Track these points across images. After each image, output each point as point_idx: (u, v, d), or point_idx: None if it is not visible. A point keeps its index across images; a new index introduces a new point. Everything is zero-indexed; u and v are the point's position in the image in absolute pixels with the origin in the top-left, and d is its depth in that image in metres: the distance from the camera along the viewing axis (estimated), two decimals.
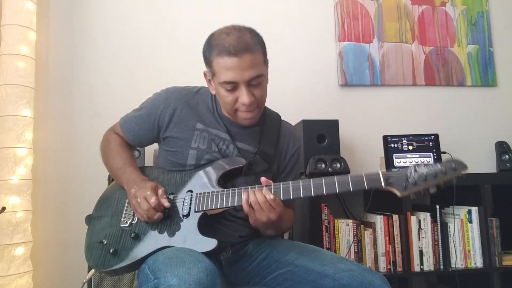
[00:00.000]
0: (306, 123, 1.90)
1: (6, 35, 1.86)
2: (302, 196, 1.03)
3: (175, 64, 2.14)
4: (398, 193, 1.00)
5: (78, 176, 2.02)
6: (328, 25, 2.30)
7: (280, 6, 2.27)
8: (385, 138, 1.99)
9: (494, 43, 2.41)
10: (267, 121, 1.28)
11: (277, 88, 2.16)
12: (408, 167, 1.00)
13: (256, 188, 1.06)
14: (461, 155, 2.09)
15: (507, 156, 2.12)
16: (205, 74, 1.22)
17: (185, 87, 1.28)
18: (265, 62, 1.19)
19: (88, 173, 2.01)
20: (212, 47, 1.11)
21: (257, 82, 1.12)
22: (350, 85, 2.27)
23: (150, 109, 1.24)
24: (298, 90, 2.23)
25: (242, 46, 1.08)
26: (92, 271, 1.17)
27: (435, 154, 1.91)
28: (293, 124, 2.00)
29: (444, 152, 1.97)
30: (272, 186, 1.06)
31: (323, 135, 1.89)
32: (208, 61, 1.14)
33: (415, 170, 0.99)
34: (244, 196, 1.04)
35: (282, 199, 1.04)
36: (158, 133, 1.25)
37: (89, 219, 1.23)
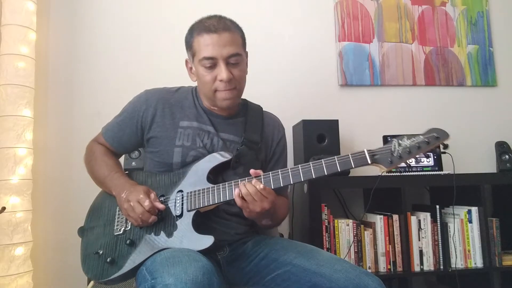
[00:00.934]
0: (306, 123, 1.90)
1: (6, 35, 1.86)
2: (292, 182, 1.05)
3: (175, 64, 2.13)
4: (384, 168, 1.01)
5: (78, 176, 2.01)
6: (328, 25, 2.30)
7: (280, 6, 2.27)
8: (385, 138, 1.99)
9: (494, 43, 2.41)
10: (250, 111, 1.30)
11: (277, 88, 2.18)
12: (392, 141, 1.01)
13: (246, 180, 1.06)
14: (461, 155, 2.10)
15: (507, 156, 2.11)
16: (186, 62, 1.26)
17: (164, 87, 1.30)
18: (244, 47, 1.22)
19: (88, 173, 2.00)
20: (193, 30, 1.18)
21: (235, 61, 1.16)
22: (350, 85, 2.27)
23: (132, 112, 1.25)
24: (298, 90, 2.23)
25: (221, 25, 1.15)
26: (92, 282, 1.16)
27: (435, 154, 1.91)
28: (293, 124, 2.02)
29: (444, 152, 1.96)
30: (262, 176, 1.07)
31: (323, 135, 1.89)
32: (189, 44, 1.19)
33: (399, 144, 1.00)
34: (235, 191, 1.05)
35: (273, 187, 1.05)
36: (142, 135, 1.25)
37: (81, 231, 1.22)
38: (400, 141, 1.00)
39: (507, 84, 2.39)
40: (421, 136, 1.00)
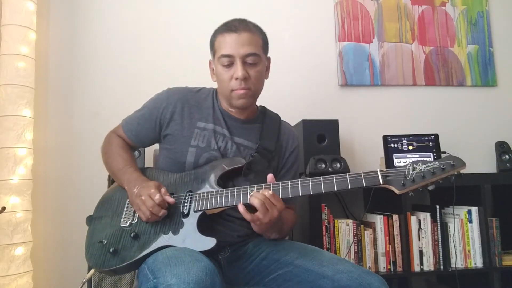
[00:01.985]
0: (306, 123, 1.90)
1: (6, 35, 1.86)
2: (300, 194, 1.05)
3: (175, 64, 2.14)
4: (396, 191, 1.00)
5: (78, 176, 2.02)
6: (328, 25, 2.30)
7: (280, 6, 2.27)
8: (385, 138, 1.99)
9: (494, 43, 2.41)
10: (267, 119, 1.32)
11: (277, 88, 2.17)
12: (406, 164, 1.00)
13: (256, 188, 1.07)
14: (461, 155, 2.07)
15: (507, 156, 2.11)
16: (210, 63, 1.29)
17: (186, 87, 1.32)
18: (264, 51, 1.25)
19: (88, 173, 2.01)
20: (217, 31, 1.22)
21: (253, 61, 1.18)
22: (350, 85, 2.27)
23: (152, 108, 1.27)
24: (298, 90, 2.23)
25: (242, 26, 1.18)
26: (92, 271, 1.17)
27: (435, 154, 1.91)
28: (293, 124, 2.01)
29: (444, 152, 1.97)
30: (271, 186, 1.07)
31: (323, 135, 1.89)
32: (211, 44, 1.24)
33: (413, 168, 0.99)
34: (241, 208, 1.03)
35: (280, 197, 1.05)
36: (159, 131, 1.27)
37: (89, 219, 1.23)
38: (415, 165, 0.99)
39: (507, 84, 2.39)
40: (437, 162, 0.98)
